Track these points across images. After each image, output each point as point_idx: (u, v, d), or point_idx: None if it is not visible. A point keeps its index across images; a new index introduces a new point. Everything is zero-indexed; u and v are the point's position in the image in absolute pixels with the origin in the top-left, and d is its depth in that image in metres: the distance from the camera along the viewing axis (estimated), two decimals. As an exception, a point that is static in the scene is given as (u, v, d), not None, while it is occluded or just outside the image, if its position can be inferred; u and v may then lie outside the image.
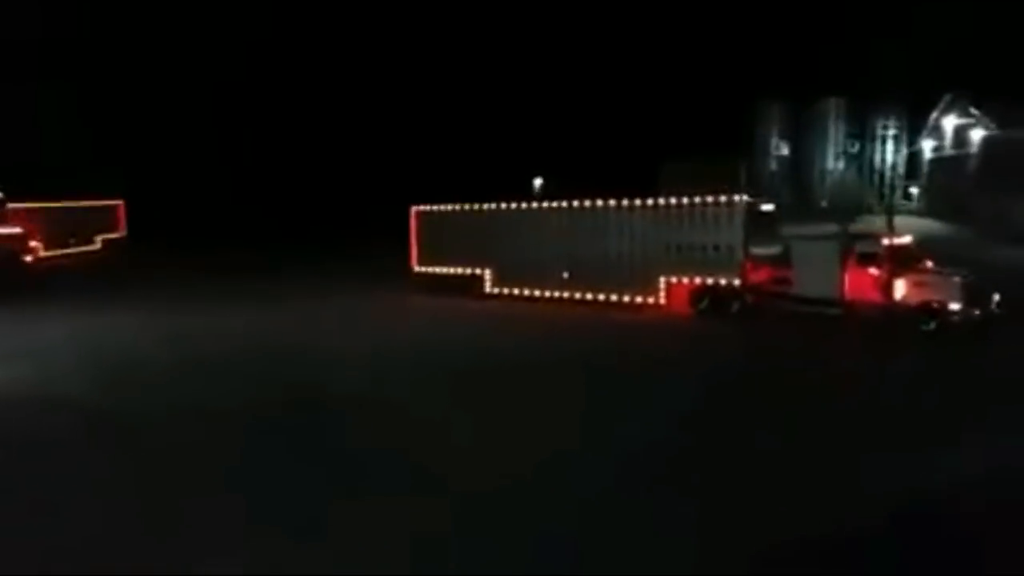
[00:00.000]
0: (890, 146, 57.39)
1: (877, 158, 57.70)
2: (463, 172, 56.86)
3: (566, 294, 25.81)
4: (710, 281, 22.66)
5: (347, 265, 35.32)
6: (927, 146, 54.21)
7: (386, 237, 35.41)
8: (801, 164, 59.30)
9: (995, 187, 42.51)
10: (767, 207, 24.44)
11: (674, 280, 23.27)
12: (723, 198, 22.84)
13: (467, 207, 28.42)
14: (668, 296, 23.42)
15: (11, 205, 37.28)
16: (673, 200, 24.07)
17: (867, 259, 19.54)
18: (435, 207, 29.08)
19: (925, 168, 54.61)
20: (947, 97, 51.68)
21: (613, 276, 24.39)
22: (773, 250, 21.80)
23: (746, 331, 20.35)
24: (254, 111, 60.39)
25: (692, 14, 60.66)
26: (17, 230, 35.45)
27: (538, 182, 56.26)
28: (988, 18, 50.05)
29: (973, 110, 49.47)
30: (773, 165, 57.99)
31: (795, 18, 58.34)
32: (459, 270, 28.51)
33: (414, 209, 29.90)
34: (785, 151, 58.40)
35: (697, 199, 23.46)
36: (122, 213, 42.97)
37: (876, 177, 57.82)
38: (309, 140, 61.74)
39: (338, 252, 41.66)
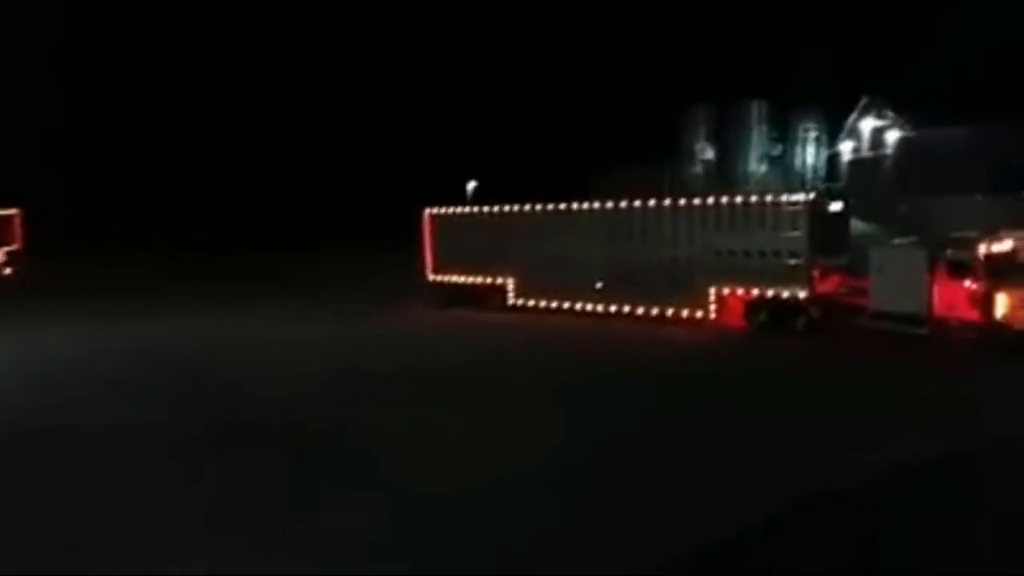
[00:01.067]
0: (811, 148, 59.03)
1: (798, 160, 59.29)
2: (394, 176, 55.09)
3: (599, 307, 24.30)
4: (769, 293, 21.05)
5: (349, 273, 32.87)
6: (846, 148, 56.07)
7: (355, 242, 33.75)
8: (725, 168, 60.10)
9: (911, 187, 43.99)
10: (836, 207, 22.36)
11: (726, 291, 21.90)
12: (784, 197, 21.51)
13: (486, 209, 26.42)
14: (719, 309, 22.08)
15: None
16: (725, 200, 22.65)
17: (959, 269, 17.52)
18: (450, 209, 26.80)
19: (844, 170, 56.47)
20: (864, 99, 53.61)
21: (654, 287, 22.80)
22: (843, 257, 20.81)
23: (817, 353, 18.27)
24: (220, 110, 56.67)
25: (618, 17, 60.75)
26: None
27: (471, 185, 54.94)
28: (908, 19, 52.28)
29: (889, 112, 51.51)
30: (699, 169, 58.61)
31: (720, 20, 59.19)
32: (478, 279, 26.60)
33: (427, 212, 27.49)
34: (711, 155, 59.10)
35: (754, 198, 22.11)
36: (18, 224, 38.25)
37: (798, 179, 59.46)
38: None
39: (335, 258, 39.09)
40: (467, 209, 27.25)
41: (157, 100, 59.72)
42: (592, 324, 23.18)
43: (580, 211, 24.66)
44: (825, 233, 20.69)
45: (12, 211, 35.99)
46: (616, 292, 23.61)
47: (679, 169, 52.94)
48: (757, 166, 56.36)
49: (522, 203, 25.77)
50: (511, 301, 25.79)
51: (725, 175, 56.59)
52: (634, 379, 16.66)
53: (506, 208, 25.90)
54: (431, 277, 27.19)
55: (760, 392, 15.24)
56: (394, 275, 30.42)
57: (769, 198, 21.36)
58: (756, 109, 56.24)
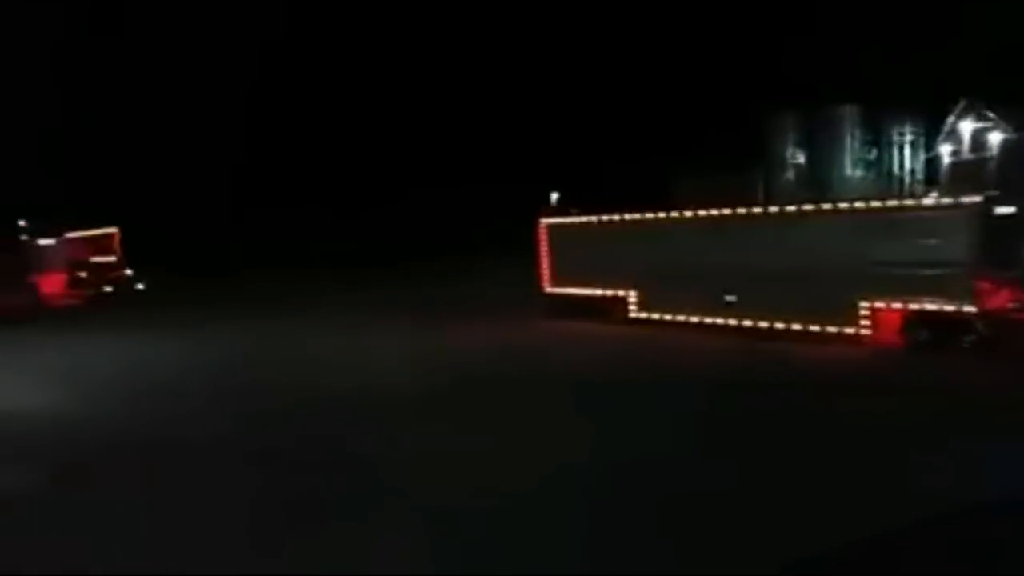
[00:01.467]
0: (908, 152, 56.87)
1: (895, 164, 57.12)
2: (474, 186, 54.21)
3: (732, 321, 22.90)
4: (930, 307, 19.60)
5: (454, 286, 32.37)
6: (945, 151, 53.94)
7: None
8: (817, 172, 58.11)
9: (1015, 189, 42.14)
10: (1006, 210, 21.00)
11: (880, 305, 20.39)
12: (946, 200, 20.10)
13: (605, 218, 25.56)
14: (873, 325, 20.52)
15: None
16: (877, 204, 21.19)
17: None
18: (568, 219, 26.17)
19: (944, 173, 54.33)
20: (962, 102, 51.42)
21: (794, 300, 21.43)
22: (1016, 269, 19.22)
23: (995, 377, 16.70)
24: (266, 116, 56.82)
25: (700, 23, 59.35)
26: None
27: (555, 196, 53.83)
28: (1003, 21, 50.24)
29: (989, 113, 49.30)
30: (790, 174, 56.72)
31: (804, 25, 57.63)
32: (598, 291, 25.63)
33: (543, 222, 26.81)
34: (801, 159, 57.24)
35: (910, 201, 20.73)
36: (117, 242, 38.55)
37: (895, 183, 57.32)
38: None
39: (440, 272, 38.62)
40: (584, 218, 26.10)
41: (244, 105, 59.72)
42: (723, 340, 21.71)
43: (709, 218, 23.24)
44: (993, 239, 18.95)
45: (111, 229, 36.20)
46: (751, 306, 22.06)
47: (768, 175, 51.38)
48: (852, 171, 54.45)
49: (643, 211, 24.48)
50: (633, 314, 24.47)
51: (817, 180, 54.87)
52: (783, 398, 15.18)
53: (627, 216, 24.70)
54: (547, 289, 26.10)
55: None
56: (506, 285, 29.64)
57: (929, 201, 19.81)
58: (848, 113, 54.46)
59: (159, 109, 56.54)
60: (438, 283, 35.75)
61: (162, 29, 57.69)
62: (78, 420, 17.08)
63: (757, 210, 22.85)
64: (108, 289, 31.77)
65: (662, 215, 24.58)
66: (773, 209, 22.54)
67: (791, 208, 22.08)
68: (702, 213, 23.59)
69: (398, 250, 45.55)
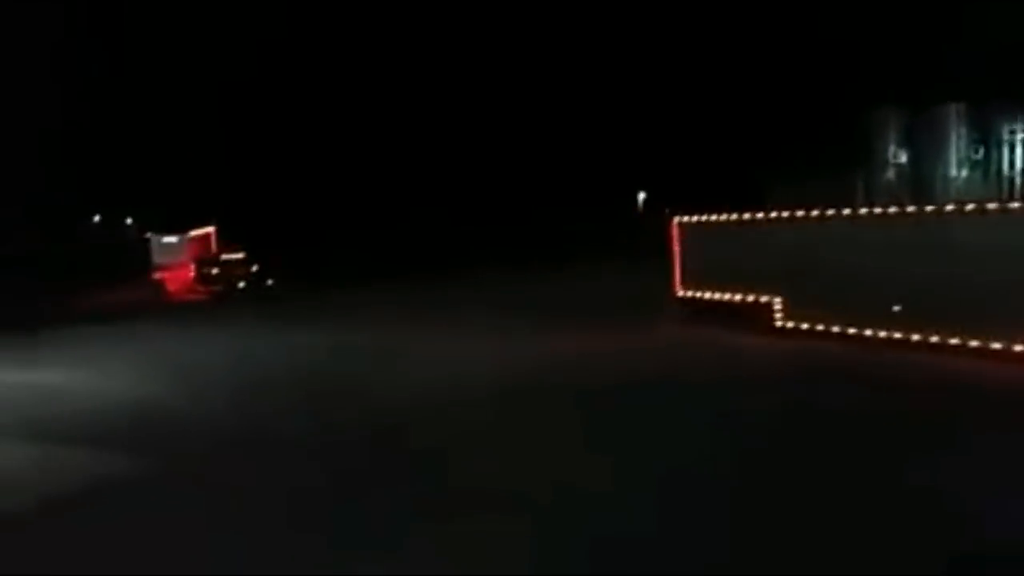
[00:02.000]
0: (1019, 151, 54.11)
1: (1005, 164, 54.46)
2: (561, 185, 52.60)
3: (897, 334, 20.41)
4: None
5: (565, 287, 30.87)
6: (1059, 150, 51.27)
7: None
8: (920, 173, 55.75)
9: None
10: None
11: None
12: None
13: (747, 216, 23.36)
14: None
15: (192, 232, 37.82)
16: None
17: None
18: (704, 217, 24.02)
19: (1058, 173, 51.63)
20: (1080, 97, 48.95)
21: (976, 311, 19.01)
22: None
23: None
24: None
25: (796, 18, 57.33)
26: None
27: (642, 196, 52.26)
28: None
29: (1109, 110, 46.69)
30: (891, 175, 54.45)
31: (902, 21, 55.24)
32: (737, 296, 23.39)
33: (676, 220, 24.70)
34: (903, 159, 54.88)
35: None
36: (214, 241, 39.13)
37: (1005, 184, 54.60)
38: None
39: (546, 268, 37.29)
40: (724, 216, 23.89)
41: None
42: (889, 355, 19.14)
43: (872, 217, 20.82)
44: None
45: (209, 229, 36.50)
46: (920, 317, 19.59)
47: (868, 176, 49.22)
48: (957, 171, 51.90)
49: (791, 209, 22.30)
50: (779, 323, 22.14)
51: (921, 181, 52.36)
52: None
53: (772, 215, 22.45)
54: (680, 292, 23.92)
55: None
56: (620, 287, 28.05)
57: None
58: (954, 112, 51.92)
59: (274, 110, 56.81)
60: (543, 283, 34.07)
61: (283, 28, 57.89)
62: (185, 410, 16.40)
63: (928, 209, 20.38)
64: (241, 285, 32.10)
65: (815, 213, 22.11)
66: (949, 208, 20.05)
67: (971, 207, 19.54)
68: (863, 212, 21.18)
69: (498, 252, 44.12)
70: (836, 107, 52.21)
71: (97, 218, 72.65)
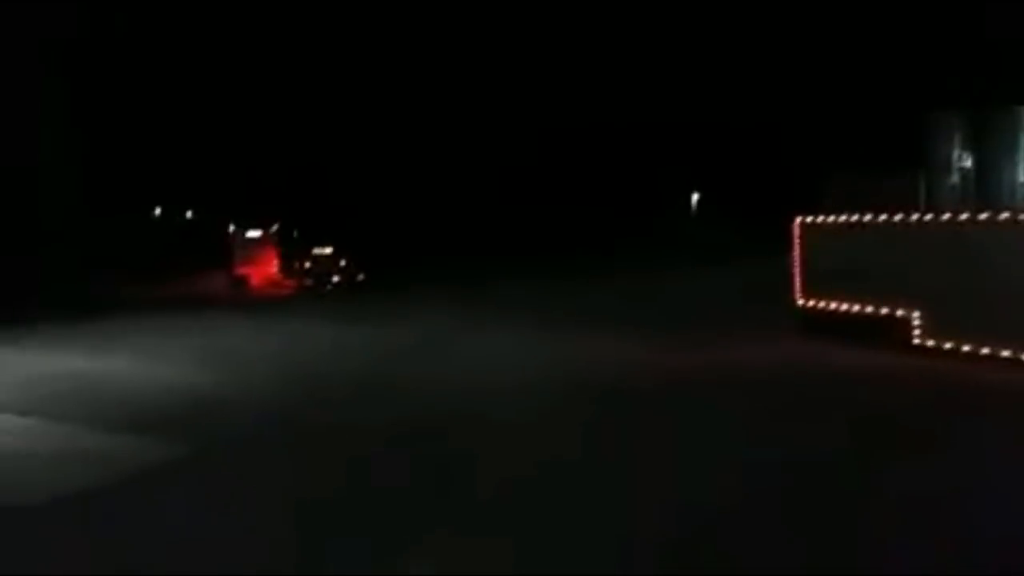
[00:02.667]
0: (1096, 157, 52.34)
1: (1078, 171, 52.70)
2: (614, 186, 50.95)
3: None
4: None
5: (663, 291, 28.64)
6: None
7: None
8: (986, 178, 53.82)
9: None
10: None
11: None
12: None
13: (882, 218, 21.21)
14: None
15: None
16: None
17: None
18: (833, 217, 21.82)
19: None
20: None
21: None
22: None
23: None
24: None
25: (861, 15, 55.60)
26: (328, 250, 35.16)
27: (696, 197, 50.57)
28: None
29: None
30: (955, 179, 52.49)
31: (971, 22, 53.57)
32: (868, 308, 21.21)
33: (799, 220, 22.30)
34: (968, 164, 52.91)
35: None
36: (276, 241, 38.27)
37: (1078, 192, 52.81)
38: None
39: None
40: (855, 217, 21.78)
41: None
42: None
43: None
44: None
45: (273, 228, 35.38)
46: None
47: (931, 177, 47.30)
48: (1026, 177, 50.17)
49: (935, 211, 20.32)
50: (916, 340, 20.05)
51: (987, 187, 50.66)
52: None
53: (913, 217, 20.40)
54: (800, 302, 21.65)
55: None
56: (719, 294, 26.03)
57: None
58: (1024, 114, 50.21)
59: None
60: (632, 285, 32.06)
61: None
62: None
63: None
64: (335, 279, 30.98)
65: (965, 216, 20.06)
66: None
67: None
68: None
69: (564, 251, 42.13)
70: (898, 107, 50.36)
71: (158, 211, 72.23)
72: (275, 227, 33.28)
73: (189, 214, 73.02)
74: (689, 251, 40.30)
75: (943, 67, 50.62)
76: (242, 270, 32.87)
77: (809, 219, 22.52)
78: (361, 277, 31.40)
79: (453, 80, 55.33)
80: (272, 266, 33.63)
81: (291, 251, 32.67)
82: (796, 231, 22.73)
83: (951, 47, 51.60)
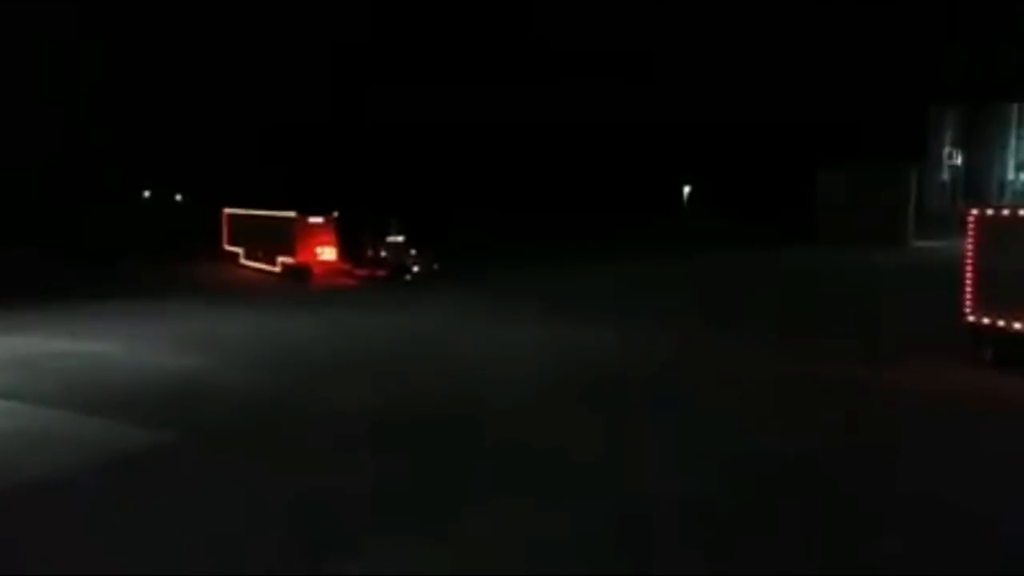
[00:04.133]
0: (1081, 156, 53.44)
1: (1064, 169, 53.78)
2: (613, 179, 51.46)
3: None
4: None
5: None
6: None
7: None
8: (976, 174, 54.81)
9: None
10: None
11: None
12: None
13: None
14: None
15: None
16: None
17: None
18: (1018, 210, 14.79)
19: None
20: None
21: None
22: None
23: None
24: None
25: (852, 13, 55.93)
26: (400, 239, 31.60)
27: (687, 190, 51.03)
28: None
29: None
30: (945, 175, 53.37)
31: (967, 16, 53.80)
32: None
33: (972, 212, 15.14)
34: (959, 160, 53.73)
35: None
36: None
37: (1062, 189, 53.93)
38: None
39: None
40: None
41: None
42: None
43: None
44: None
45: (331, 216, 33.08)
46: None
47: (922, 173, 47.86)
48: (1016, 174, 50.76)
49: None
50: None
51: (976, 182, 51.24)
52: None
53: None
54: (970, 317, 14.39)
55: None
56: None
57: None
58: (1016, 112, 50.76)
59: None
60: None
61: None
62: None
63: None
64: (415, 269, 28.31)
65: None
66: None
67: None
68: None
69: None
70: (891, 104, 50.61)
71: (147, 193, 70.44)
72: (335, 213, 30.40)
73: (178, 197, 72.45)
74: (684, 242, 38.74)
75: (939, 64, 50.87)
76: (304, 258, 29.75)
77: (983, 211, 15.15)
78: (436, 267, 28.08)
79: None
80: (333, 255, 30.19)
81: (361, 239, 29.27)
82: (971, 227, 15.10)
83: (945, 42, 51.88)
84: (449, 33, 59.76)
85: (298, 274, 30.27)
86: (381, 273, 29.63)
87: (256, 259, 35.19)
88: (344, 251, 30.25)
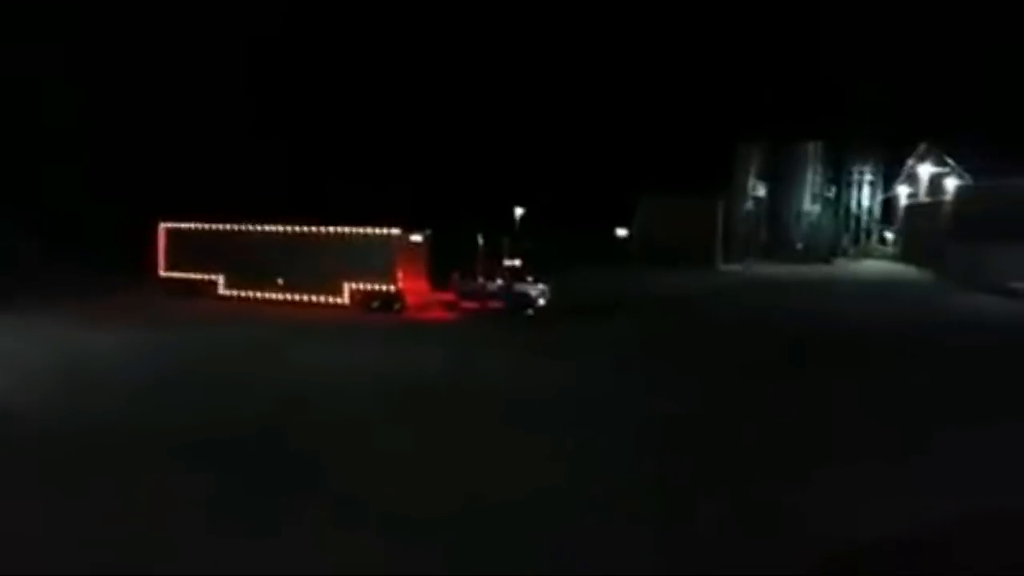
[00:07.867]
0: (866, 191, 58.73)
1: (853, 202, 59.00)
2: (443, 201, 52.43)
3: None
4: None
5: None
6: (902, 192, 55.58)
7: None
8: (777, 205, 59.56)
9: (968, 236, 41.39)
10: None
11: None
12: None
13: None
14: None
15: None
16: None
17: None
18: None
19: (900, 214, 55.93)
20: (922, 146, 53.06)
21: None
22: None
23: None
24: None
25: (672, 51, 59.48)
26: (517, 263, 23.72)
27: (519, 212, 52.65)
28: (964, 67, 51.68)
29: (948, 159, 50.63)
30: (750, 205, 57.56)
31: (774, 59, 58.06)
32: None
33: None
34: (762, 192, 58.19)
35: None
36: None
37: (852, 221, 59.16)
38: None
39: None
40: None
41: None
42: None
43: None
44: None
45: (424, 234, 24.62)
46: None
47: (729, 203, 51.34)
48: (811, 205, 55.27)
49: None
50: None
51: (776, 212, 55.49)
52: None
53: None
54: None
55: None
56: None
57: None
58: (812, 149, 55.35)
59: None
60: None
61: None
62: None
63: None
64: (540, 302, 20.75)
65: None
66: None
67: None
68: None
69: None
70: (705, 137, 53.83)
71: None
72: (427, 231, 22.55)
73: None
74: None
75: (750, 102, 54.60)
76: (400, 286, 21.76)
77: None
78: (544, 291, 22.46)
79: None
80: (422, 281, 22.77)
81: (470, 263, 22.55)
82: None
83: (754, 84, 55.88)
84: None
85: (386, 304, 24.97)
86: (495, 305, 24.55)
87: (260, 288, 27.01)
88: (432, 276, 21.86)
